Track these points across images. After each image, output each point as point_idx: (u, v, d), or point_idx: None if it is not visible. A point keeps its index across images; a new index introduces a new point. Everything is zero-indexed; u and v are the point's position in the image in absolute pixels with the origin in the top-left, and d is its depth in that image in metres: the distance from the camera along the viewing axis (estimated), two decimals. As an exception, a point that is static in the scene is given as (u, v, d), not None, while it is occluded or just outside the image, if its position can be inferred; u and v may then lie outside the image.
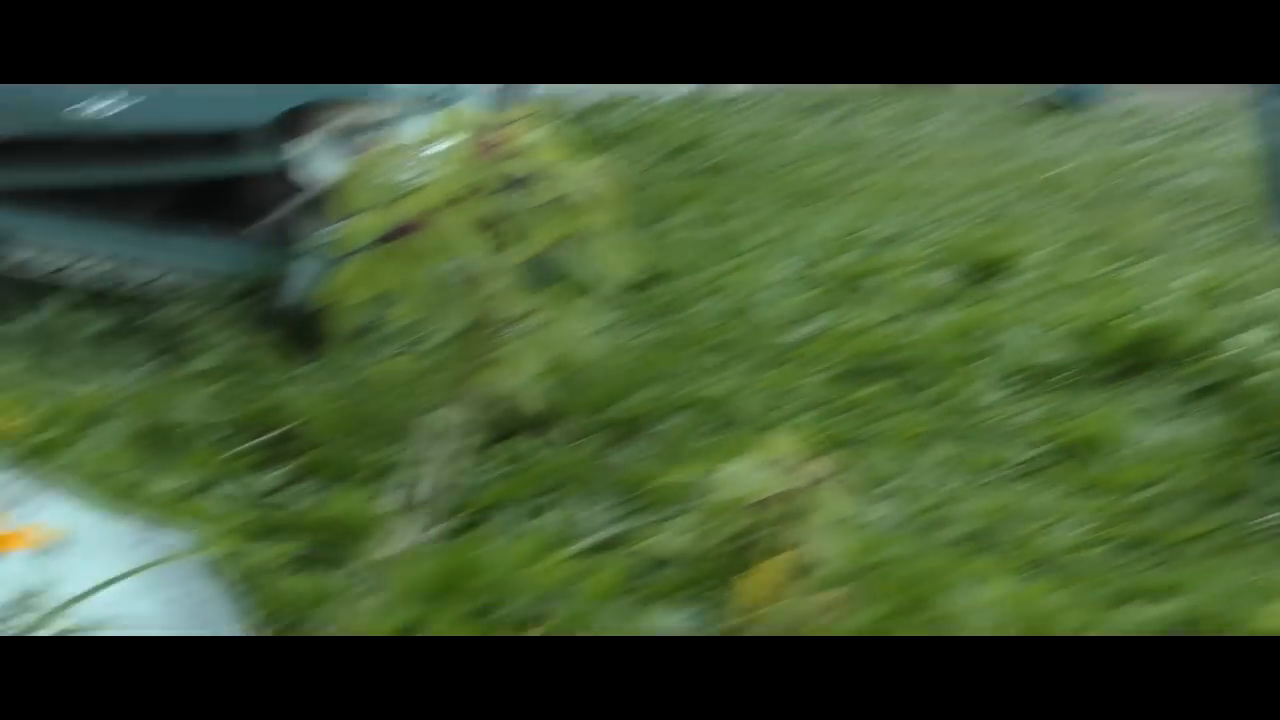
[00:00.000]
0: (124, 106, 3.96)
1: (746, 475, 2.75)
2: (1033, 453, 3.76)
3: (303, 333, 4.00)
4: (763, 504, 2.72)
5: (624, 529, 3.19)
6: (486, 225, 3.20)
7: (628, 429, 3.73)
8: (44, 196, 4.04)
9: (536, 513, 3.23)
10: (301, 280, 4.02)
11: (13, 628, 1.98)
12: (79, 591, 2.41)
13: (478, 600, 2.76)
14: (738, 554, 2.78)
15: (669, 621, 2.64)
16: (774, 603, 2.54)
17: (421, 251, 3.17)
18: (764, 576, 2.59)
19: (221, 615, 2.60)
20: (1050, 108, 8.02)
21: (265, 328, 4.04)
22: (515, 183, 3.11)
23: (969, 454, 3.79)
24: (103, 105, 3.95)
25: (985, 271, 5.12)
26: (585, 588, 2.81)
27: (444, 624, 2.67)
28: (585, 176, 3.31)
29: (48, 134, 4.03)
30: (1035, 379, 4.24)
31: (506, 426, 3.51)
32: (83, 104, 3.94)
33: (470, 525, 3.16)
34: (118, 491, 2.99)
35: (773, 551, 2.71)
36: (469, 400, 3.45)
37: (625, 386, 3.86)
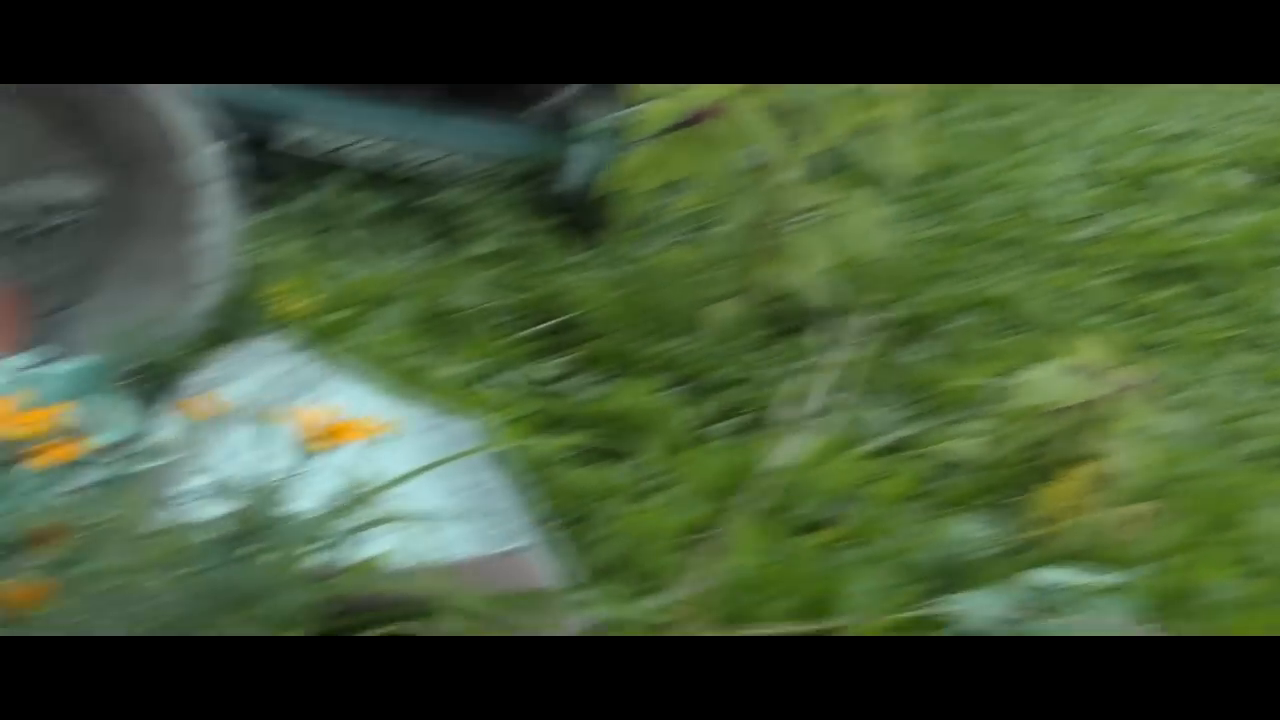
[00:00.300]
0: None
1: (1048, 381, 2.75)
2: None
3: (581, 219, 4.09)
4: (1064, 412, 2.74)
5: (914, 431, 3.17)
6: (781, 114, 3.35)
7: (914, 327, 3.71)
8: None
9: (822, 412, 3.21)
10: (581, 166, 4.09)
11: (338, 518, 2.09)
12: (379, 481, 2.51)
13: (768, 500, 2.74)
14: (1035, 463, 2.80)
15: (966, 529, 2.58)
16: (1074, 515, 2.55)
17: (714, 139, 3.27)
18: (1064, 488, 2.60)
19: (510, 506, 2.66)
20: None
21: (543, 213, 4.11)
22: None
23: (1269, 364, 3.71)
24: None
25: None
26: (877, 491, 2.79)
27: (734, 523, 2.66)
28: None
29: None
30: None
31: (790, 322, 3.59)
32: None
33: (755, 424, 3.19)
34: (403, 376, 3.09)
35: (1072, 462, 2.71)
36: (754, 293, 3.57)
37: (910, 284, 3.84)
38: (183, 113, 3.03)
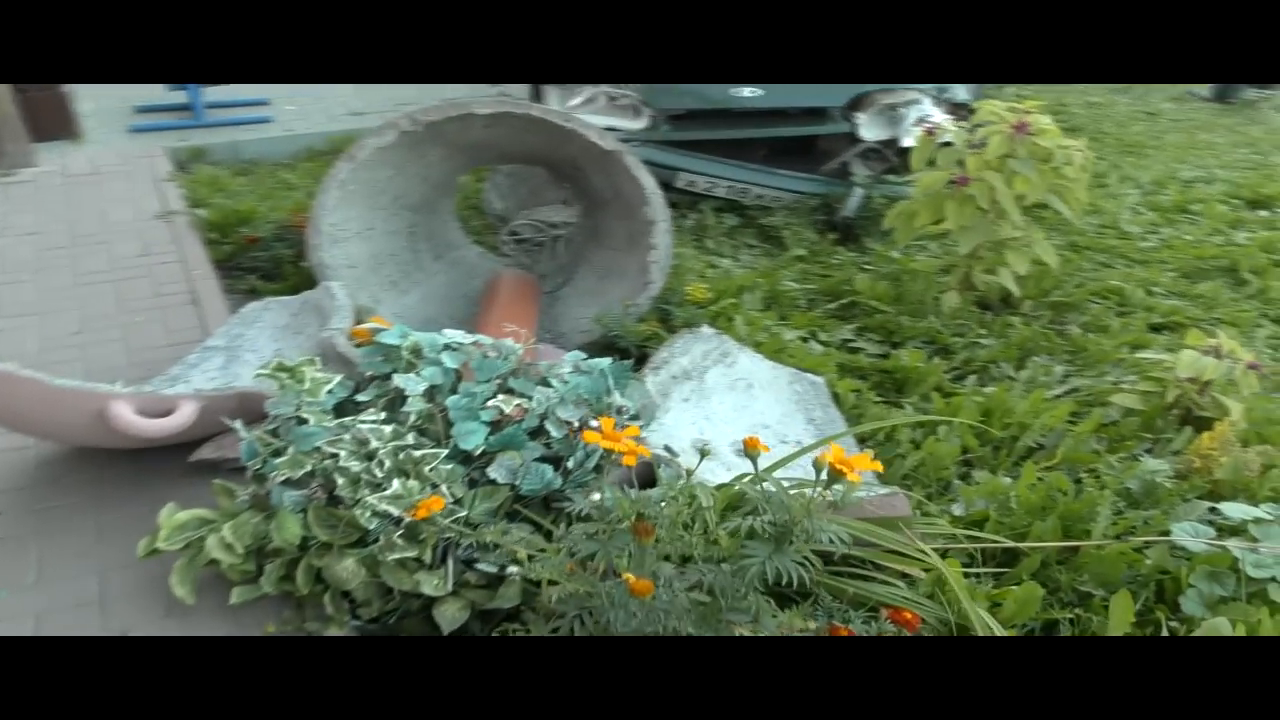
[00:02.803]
0: (760, 92, 4.28)
1: (1196, 359, 2.66)
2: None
3: (852, 235, 4.25)
4: (1200, 381, 2.67)
5: (1082, 383, 3.10)
6: (1009, 178, 3.49)
7: (1065, 310, 3.66)
8: (703, 145, 4.38)
9: (1019, 367, 3.20)
10: (854, 202, 4.24)
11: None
12: (772, 421, 2.72)
13: (1005, 432, 2.70)
14: (1182, 417, 2.73)
15: (1151, 464, 2.40)
16: (1219, 457, 2.40)
17: (966, 195, 3.45)
18: (1210, 437, 2.46)
19: (842, 431, 2.65)
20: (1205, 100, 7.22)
21: (830, 231, 4.26)
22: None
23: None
24: (747, 92, 4.29)
25: (1260, 204, 4.85)
26: (1074, 429, 2.69)
27: (984, 452, 2.63)
28: (1071, 148, 3.52)
29: (712, 108, 4.36)
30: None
31: (995, 308, 3.61)
32: (737, 89, 4.31)
33: (982, 375, 3.19)
34: (767, 341, 3.17)
35: (1211, 417, 2.62)
36: (972, 289, 3.60)
37: (1058, 280, 3.78)
38: (646, 173, 3.18)
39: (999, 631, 1.68)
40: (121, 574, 2.21)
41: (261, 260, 3.87)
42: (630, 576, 1.49)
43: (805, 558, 1.47)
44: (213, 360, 2.88)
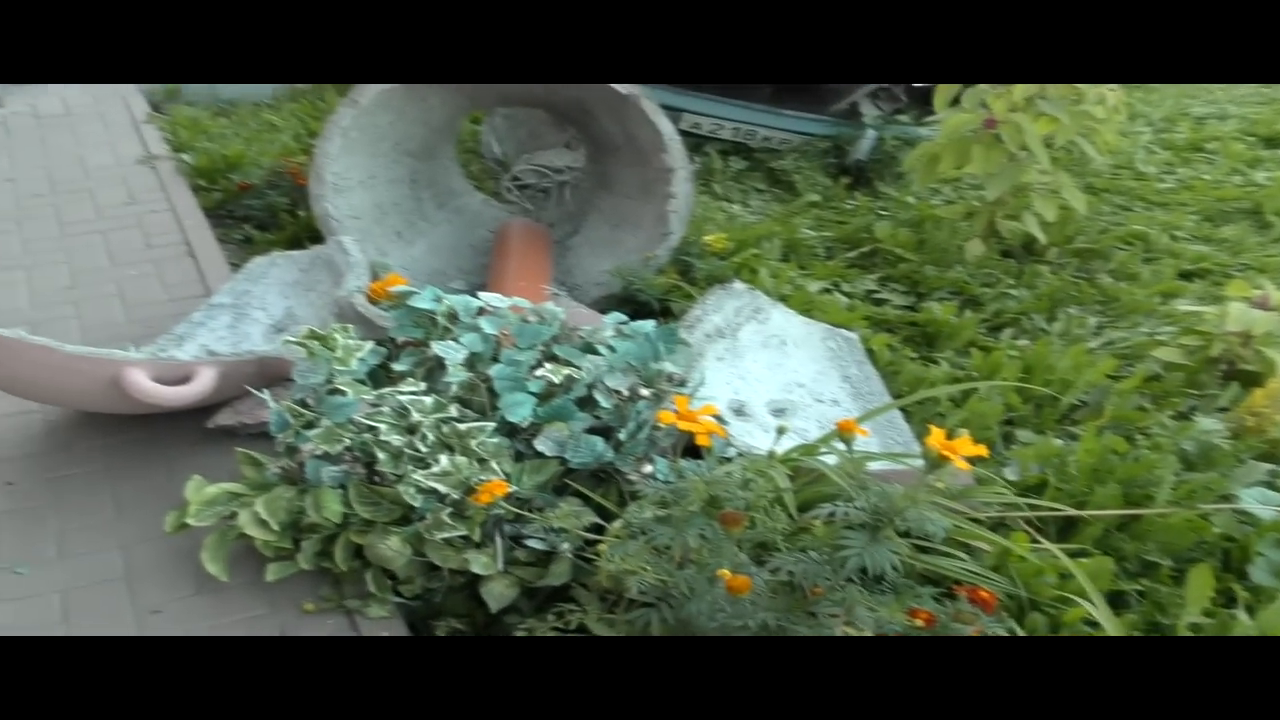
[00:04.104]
0: None
1: (1243, 312, 2.59)
2: None
3: (864, 180, 4.15)
4: (1245, 337, 2.60)
5: (1118, 335, 3.02)
6: (1038, 119, 3.39)
7: (1092, 256, 3.57)
8: (706, 86, 4.22)
9: (1051, 319, 3.12)
10: (865, 144, 4.13)
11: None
12: (806, 379, 2.63)
13: (1047, 390, 2.60)
14: (1227, 371, 2.64)
15: (1204, 423, 2.35)
16: (1274, 415, 2.34)
17: (994, 138, 3.25)
18: (1261, 394, 2.40)
19: (877, 391, 2.61)
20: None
21: (841, 175, 4.15)
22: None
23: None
24: None
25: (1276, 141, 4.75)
26: (1119, 386, 2.61)
27: (1027, 410, 2.55)
28: (1101, 88, 3.42)
29: None
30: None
31: (1020, 256, 3.52)
32: None
33: (1005, 325, 3.11)
34: (795, 295, 3.07)
35: (1257, 373, 2.55)
36: (996, 236, 3.50)
37: (1081, 225, 3.68)
38: (664, 118, 3.06)
39: (1110, 622, 1.61)
40: (145, 548, 2.12)
41: (255, 209, 3.73)
42: (727, 573, 1.43)
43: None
44: (220, 318, 2.76)
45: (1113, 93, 3.17)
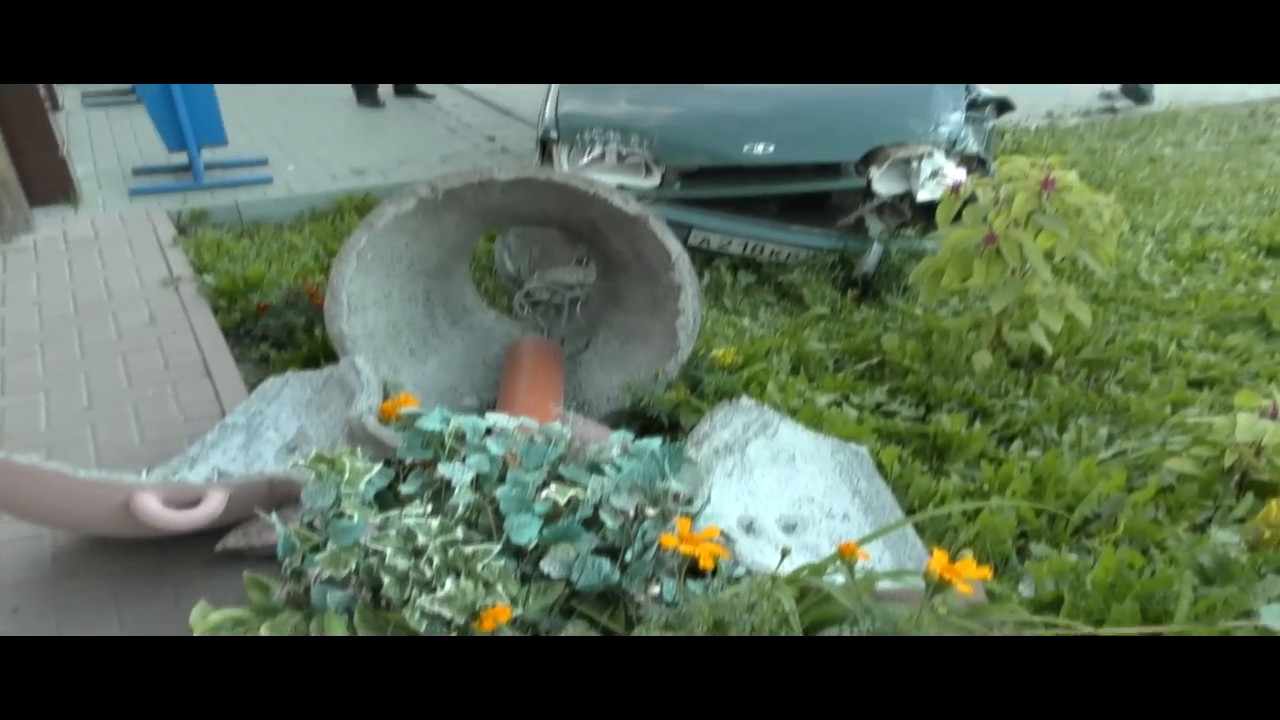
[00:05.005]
0: (772, 148, 4.21)
1: (1254, 422, 2.52)
2: None
3: (872, 292, 4.18)
4: (1256, 446, 2.54)
5: (1130, 445, 2.96)
6: (1037, 233, 3.42)
7: (1100, 366, 3.53)
8: (715, 202, 4.31)
9: (1062, 429, 3.08)
10: (871, 258, 4.15)
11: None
12: (817, 494, 2.59)
13: (1059, 501, 2.58)
14: (1240, 481, 2.59)
15: (1220, 536, 2.29)
16: None
17: (995, 253, 3.38)
18: (1276, 508, 2.34)
19: (888, 505, 2.57)
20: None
21: (849, 287, 4.18)
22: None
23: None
24: (760, 148, 4.22)
25: (1277, 252, 4.70)
26: (1132, 498, 2.56)
27: (1040, 524, 2.52)
28: (1100, 203, 3.46)
29: (724, 165, 4.29)
30: None
31: (1028, 367, 3.50)
32: (749, 147, 4.24)
33: (1014, 437, 3.07)
34: (804, 408, 3.06)
35: (1269, 485, 2.50)
36: (1004, 348, 3.48)
37: (1088, 335, 3.66)
38: (672, 236, 3.10)
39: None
40: (149, 677, 2.07)
41: (273, 328, 3.78)
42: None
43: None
44: (233, 439, 2.78)
45: (1109, 208, 3.19)
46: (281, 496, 2.34)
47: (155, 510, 2.16)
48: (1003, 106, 5.03)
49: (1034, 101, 7.94)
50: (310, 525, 2.04)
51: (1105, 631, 1.94)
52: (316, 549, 1.97)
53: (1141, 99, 7.88)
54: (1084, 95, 8.34)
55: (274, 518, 2.05)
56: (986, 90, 5.02)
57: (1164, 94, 7.96)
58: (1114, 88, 7.92)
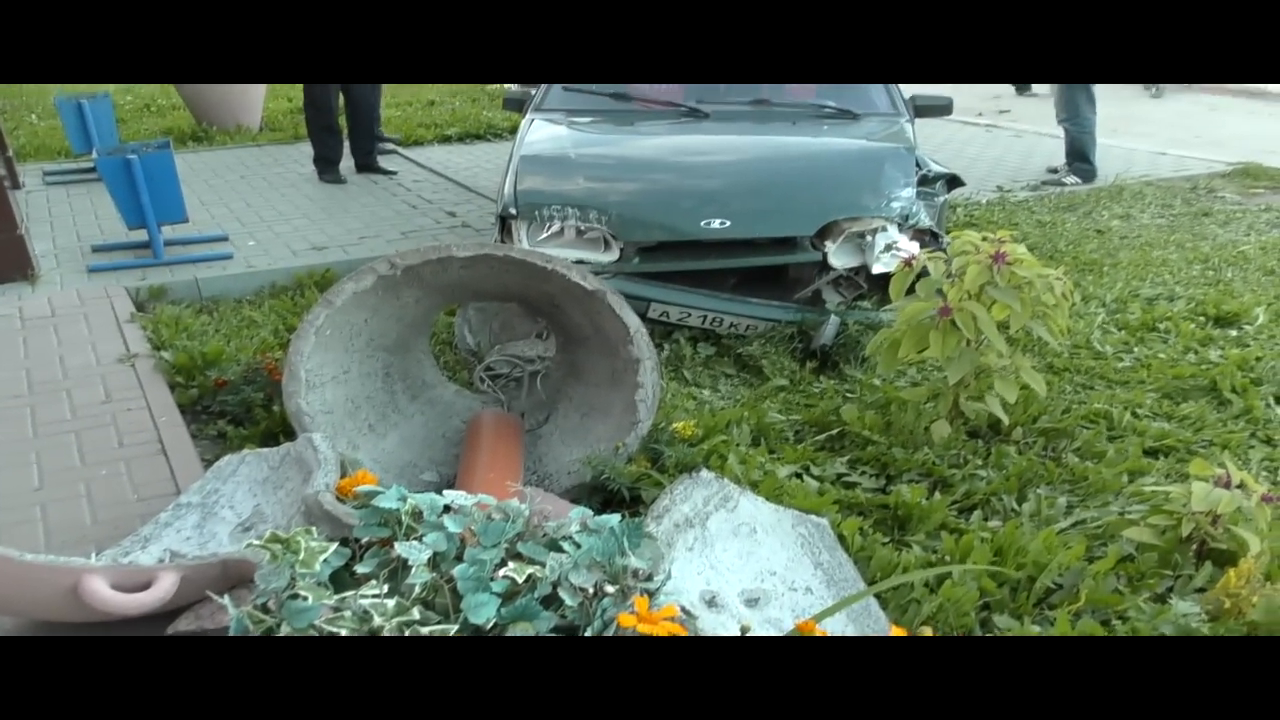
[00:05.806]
0: (729, 223, 4.28)
1: (1209, 492, 2.55)
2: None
3: (830, 364, 4.23)
4: (1213, 515, 2.58)
5: (1089, 515, 3.00)
6: (990, 305, 3.48)
7: (1057, 435, 3.58)
8: (673, 276, 4.37)
9: (1021, 499, 3.11)
10: (829, 330, 4.19)
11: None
12: (779, 567, 2.57)
13: (1021, 573, 2.58)
14: (1198, 550, 2.62)
15: (1182, 606, 2.32)
16: (1249, 594, 2.30)
17: (950, 324, 3.40)
18: (1237, 573, 2.36)
19: (850, 578, 2.58)
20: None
21: (807, 359, 4.23)
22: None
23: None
24: (717, 223, 4.29)
25: (1225, 321, 4.83)
26: (1093, 568, 2.58)
27: (1002, 594, 2.52)
28: (1050, 276, 3.53)
29: (682, 239, 4.36)
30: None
31: (985, 436, 3.55)
32: (706, 222, 4.31)
33: (975, 507, 3.10)
34: (765, 480, 3.06)
35: (1229, 552, 2.52)
36: (961, 418, 3.54)
37: (1044, 405, 3.72)
38: (630, 311, 3.12)
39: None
40: (93, 769, 1.99)
41: (230, 404, 3.73)
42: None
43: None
44: (187, 518, 2.73)
45: (1059, 281, 3.26)
46: (235, 577, 2.29)
47: (103, 594, 2.11)
48: (953, 181, 5.16)
49: (985, 176, 8.14)
50: (264, 608, 1.99)
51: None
52: (270, 632, 1.92)
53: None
54: (1032, 170, 8.55)
55: (227, 600, 2.00)
56: (937, 167, 5.15)
57: (1107, 169, 8.18)
58: (1060, 164, 8.12)
